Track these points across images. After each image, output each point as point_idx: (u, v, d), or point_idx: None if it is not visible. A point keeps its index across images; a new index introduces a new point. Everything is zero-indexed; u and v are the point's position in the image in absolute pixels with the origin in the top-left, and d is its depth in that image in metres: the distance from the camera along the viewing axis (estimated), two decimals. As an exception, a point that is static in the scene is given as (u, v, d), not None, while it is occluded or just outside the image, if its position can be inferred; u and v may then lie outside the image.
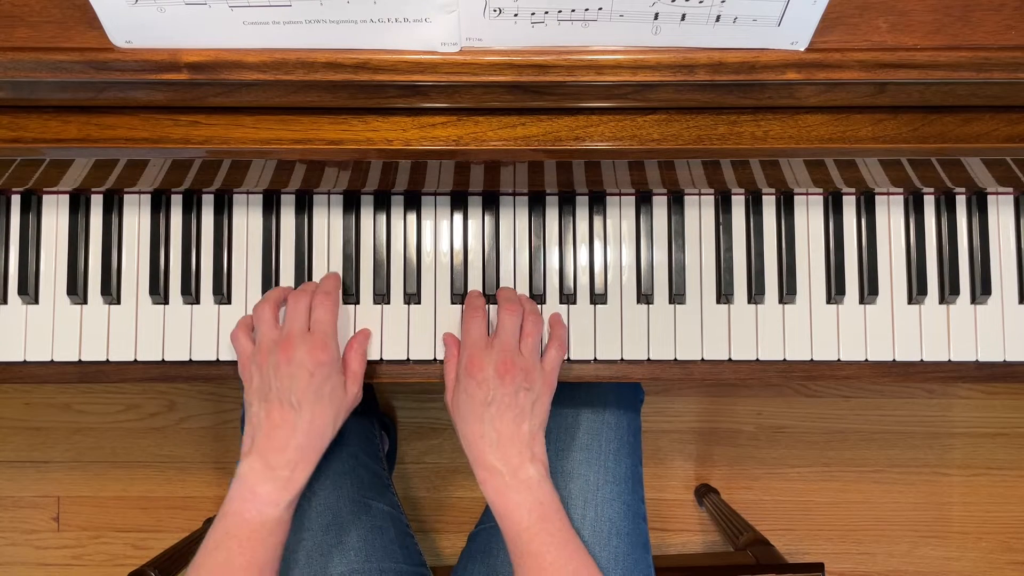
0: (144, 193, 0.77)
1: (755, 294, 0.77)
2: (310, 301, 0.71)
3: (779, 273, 0.78)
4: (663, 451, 1.47)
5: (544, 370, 0.71)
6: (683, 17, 0.53)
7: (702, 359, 0.77)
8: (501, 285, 0.78)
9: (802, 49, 0.55)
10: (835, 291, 0.77)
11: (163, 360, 0.77)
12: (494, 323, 0.74)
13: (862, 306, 0.78)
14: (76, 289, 0.76)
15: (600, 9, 0.52)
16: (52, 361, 0.76)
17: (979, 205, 0.77)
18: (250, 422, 0.69)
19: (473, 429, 0.68)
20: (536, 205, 0.78)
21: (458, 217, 0.78)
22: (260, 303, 0.72)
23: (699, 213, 0.78)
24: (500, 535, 0.81)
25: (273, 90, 0.59)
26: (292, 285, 0.77)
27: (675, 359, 0.77)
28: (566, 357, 0.76)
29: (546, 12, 0.53)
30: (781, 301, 0.78)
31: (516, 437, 0.68)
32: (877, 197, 0.78)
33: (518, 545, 0.66)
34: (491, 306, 0.77)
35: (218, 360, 0.77)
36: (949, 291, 0.77)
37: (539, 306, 0.77)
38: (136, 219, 0.77)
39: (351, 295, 0.77)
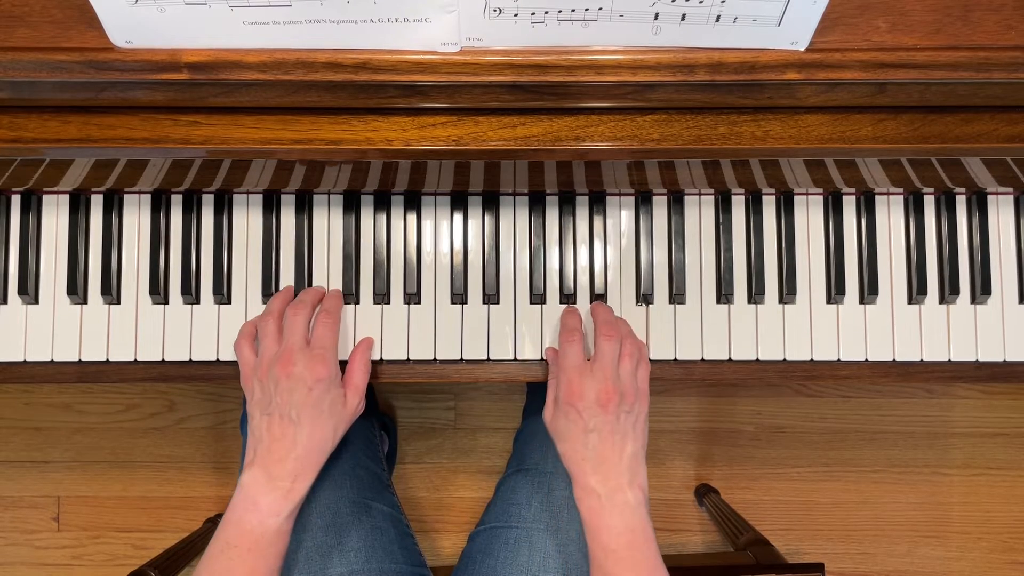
0: (144, 193, 0.77)
1: (755, 294, 0.77)
2: (310, 314, 0.72)
3: (779, 273, 0.78)
4: (663, 451, 1.47)
5: (639, 389, 0.71)
6: (683, 17, 0.53)
7: (702, 359, 0.77)
8: (501, 285, 0.77)
9: (802, 49, 0.55)
10: (835, 291, 0.77)
11: (163, 360, 0.77)
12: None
13: (862, 306, 0.78)
14: (76, 289, 0.76)
15: (600, 9, 0.52)
16: (52, 361, 0.76)
17: (979, 205, 0.77)
18: (252, 434, 0.70)
19: (575, 450, 0.68)
20: (536, 205, 0.78)
21: (458, 217, 0.78)
22: (264, 316, 0.72)
23: (699, 213, 0.78)
24: (501, 536, 0.81)
25: (273, 90, 0.59)
26: (292, 285, 0.77)
27: (675, 359, 0.77)
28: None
29: (546, 12, 0.53)
30: (781, 301, 0.78)
31: (618, 461, 0.67)
32: (877, 197, 0.78)
33: (603, 567, 0.66)
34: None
35: (218, 360, 0.77)
36: (949, 291, 0.77)
37: (538, 307, 0.77)
38: (136, 219, 0.77)
39: (351, 295, 0.77)
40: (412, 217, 0.78)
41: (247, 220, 0.78)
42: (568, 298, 0.77)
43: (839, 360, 0.77)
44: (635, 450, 0.68)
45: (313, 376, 0.68)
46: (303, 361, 0.68)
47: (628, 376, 0.70)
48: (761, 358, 0.77)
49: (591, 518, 0.67)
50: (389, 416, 1.46)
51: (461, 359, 0.77)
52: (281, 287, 0.77)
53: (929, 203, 0.78)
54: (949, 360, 0.77)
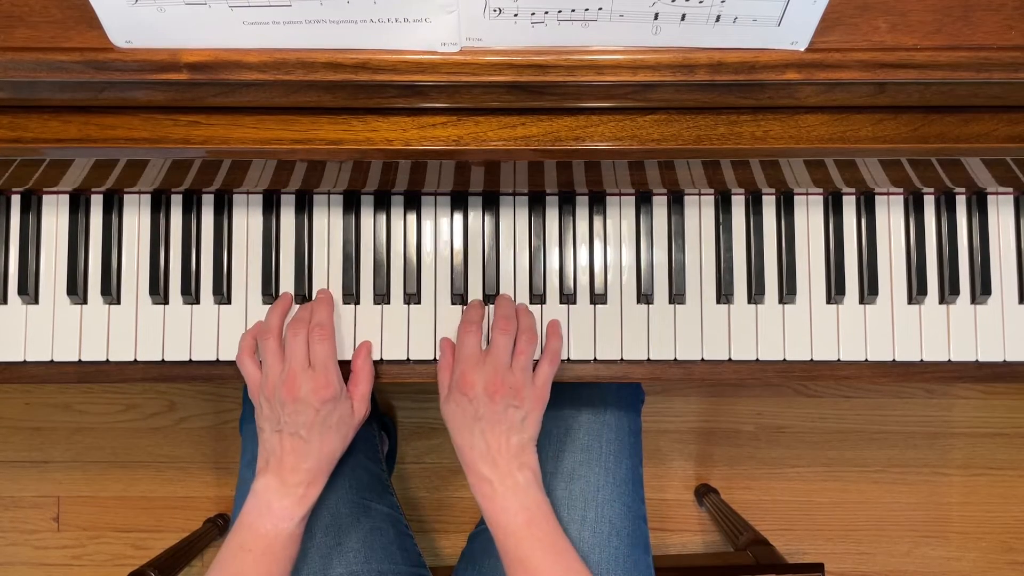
0: (144, 193, 0.77)
1: (755, 294, 0.77)
2: (307, 334, 0.71)
3: (779, 273, 0.78)
4: (663, 451, 1.47)
5: (535, 385, 0.72)
6: (683, 17, 0.53)
7: (702, 359, 0.77)
8: (501, 285, 0.78)
9: (802, 49, 0.55)
10: (835, 291, 0.77)
11: (163, 360, 0.77)
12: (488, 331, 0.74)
13: (862, 306, 0.77)
14: (76, 289, 0.76)
15: (600, 9, 0.52)
16: (52, 361, 0.76)
17: (979, 205, 0.77)
18: (263, 445, 0.71)
19: (464, 439, 0.70)
20: (536, 205, 0.78)
21: (458, 217, 0.78)
22: (264, 334, 0.72)
23: (699, 213, 0.78)
24: (500, 535, 0.81)
25: (273, 90, 0.59)
26: (292, 286, 0.77)
27: (675, 359, 0.77)
28: (564, 357, 0.76)
29: (546, 12, 0.53)
30: (781, 301, 0.78)
31: (505, 449, 0.69)
32: (877, 197, 0.78)
33: (508, 551, 0.67)
34: (489, 306, 0.77)
35: (218, 360, 0.77)
36: (949, 291, 0.77)
37: (538, 307, 0.77)
38: (136, 219, 0.77)
39: (351, 295, 0.77)
40: (412, 217, 0.78)
41: (247, 220, 0.78)
42: (568, 298, 0.77)
43: (839, 360, 0.77)
44: (521, 440, 0.70)
45: (319, 398, 0.68)
46: (308, 384, 0.68)
47: (522, 371, 0.71)
48: (761, 358, 0.77)
49: (487, 505, 0.68)
50: (389, 416, 1.46)
51: (461, 359, 0.77)
52: (281, 287, 0.77)
53: (929, 203, 0.78)
54: (949, 360, 0.77)
